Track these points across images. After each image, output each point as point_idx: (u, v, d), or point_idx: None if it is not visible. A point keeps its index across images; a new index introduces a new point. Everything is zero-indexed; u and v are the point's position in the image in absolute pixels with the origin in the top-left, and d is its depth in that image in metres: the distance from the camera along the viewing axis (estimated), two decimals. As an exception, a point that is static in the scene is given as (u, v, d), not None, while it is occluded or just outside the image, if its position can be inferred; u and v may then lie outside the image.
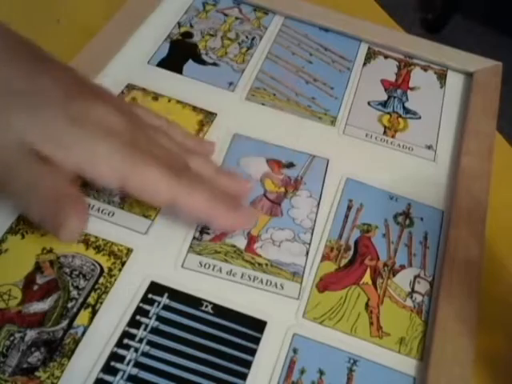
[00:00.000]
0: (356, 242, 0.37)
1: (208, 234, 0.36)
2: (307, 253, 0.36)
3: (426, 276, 0.36)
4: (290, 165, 0.41)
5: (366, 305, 0.34)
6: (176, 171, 0.33)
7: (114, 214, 0.36)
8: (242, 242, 0.36)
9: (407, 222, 0.39)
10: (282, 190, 0.39)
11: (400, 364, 0.32)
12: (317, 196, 0.39)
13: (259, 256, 0.36)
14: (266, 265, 0.35)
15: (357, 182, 0.40)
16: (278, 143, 0.41)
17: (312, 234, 0.37)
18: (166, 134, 0.37)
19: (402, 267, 0.36)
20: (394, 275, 0.36)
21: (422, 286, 0.36)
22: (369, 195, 0.39)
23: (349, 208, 0.39)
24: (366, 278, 0.35)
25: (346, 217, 0.38)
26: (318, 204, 0.39)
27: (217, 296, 0.33)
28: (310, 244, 0.37)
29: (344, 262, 0.36)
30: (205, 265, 0.35)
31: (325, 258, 0.36)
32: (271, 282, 0.35)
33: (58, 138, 0.31)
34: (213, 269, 0.35)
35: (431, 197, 0.40)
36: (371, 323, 0.34)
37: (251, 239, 0.36)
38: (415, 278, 0.36)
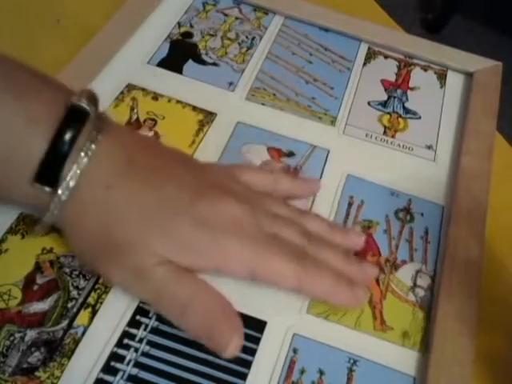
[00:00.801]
0: (357, 239, 0.37)
1: None
2: None
3: (427, 270, 0.36)
4: (291, 154, 0.41)
5: (369, 300, 0.34)
6: (300, 257, 0.33)
7: (114, 214, 0.36)
8: None
9: (408, 217, 0.39)
10: None
11: (400, 364, 0.32)
12: None
13: None
14: None
15: (357, 178, 0.40)
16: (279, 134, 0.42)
17: None
18: (288, 219, 0.35)
19: (404, 262, 0.36)
20: (395, 270, 0.36)
21: (424, 281, 0.36)
22: (370, 191, 0.39)
23: (350, 204, 0.39)
24: (368, 274, 0.35)
25: (348, 213, 0.38)
26: None
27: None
28: None
29: (345, 260, 0.36)
30: None
31: (325, 257, 0.36)
32: None
33: (190, 247, 0.31)
34: None
35: (431, 193, 0.40)
36: (375, 318, 0.34)
37: None
38: (417, 272, 0.36)
